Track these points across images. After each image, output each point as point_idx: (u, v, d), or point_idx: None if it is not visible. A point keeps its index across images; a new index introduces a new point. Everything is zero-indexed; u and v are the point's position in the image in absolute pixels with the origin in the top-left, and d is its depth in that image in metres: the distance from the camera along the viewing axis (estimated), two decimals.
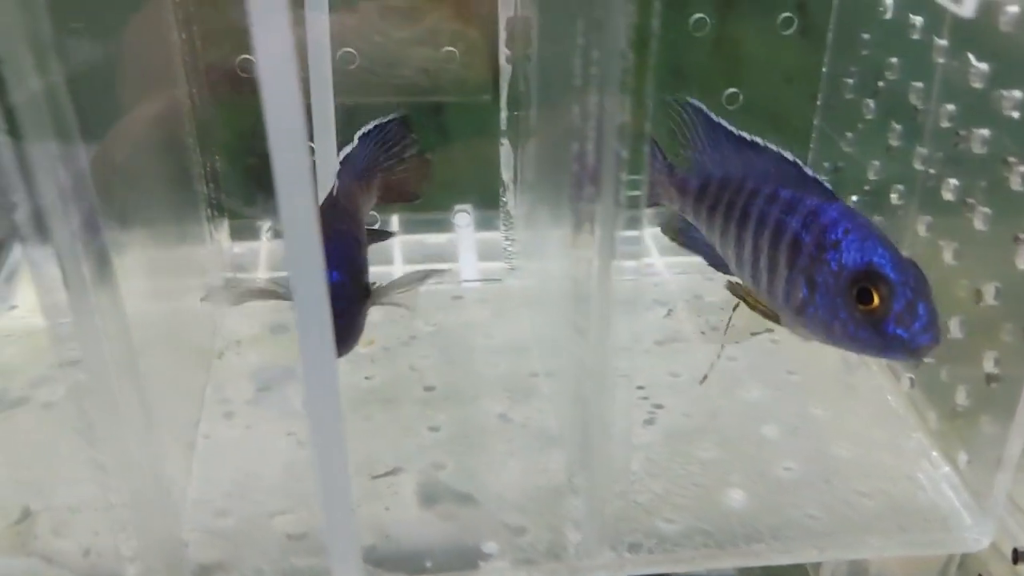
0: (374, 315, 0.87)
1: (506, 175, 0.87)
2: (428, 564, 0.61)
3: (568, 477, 0.59)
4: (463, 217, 0.97)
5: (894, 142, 0.73)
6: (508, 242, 0.90)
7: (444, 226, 0.98)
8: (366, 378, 0.78)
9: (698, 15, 0.82)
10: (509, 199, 0.88)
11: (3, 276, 0.92)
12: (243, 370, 0.79)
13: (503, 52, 0.82)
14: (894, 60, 0.73)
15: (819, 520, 0.64)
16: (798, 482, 0.67)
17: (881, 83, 0.75)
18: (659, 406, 0.75)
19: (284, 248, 0.46)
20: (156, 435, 0.57)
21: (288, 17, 0.39)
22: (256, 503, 0.66)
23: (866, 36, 0.76)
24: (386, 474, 0.68)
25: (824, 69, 0.83)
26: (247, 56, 0.80)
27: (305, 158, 0.42)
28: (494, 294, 0.90)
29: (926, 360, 0.69)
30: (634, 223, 0.50)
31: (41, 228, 0.46)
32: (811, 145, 0.87)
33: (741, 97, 0.86)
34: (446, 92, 0.89)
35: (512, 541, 0.63)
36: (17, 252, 0.95)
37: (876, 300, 0.57)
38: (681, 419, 0.73)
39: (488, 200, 0.95)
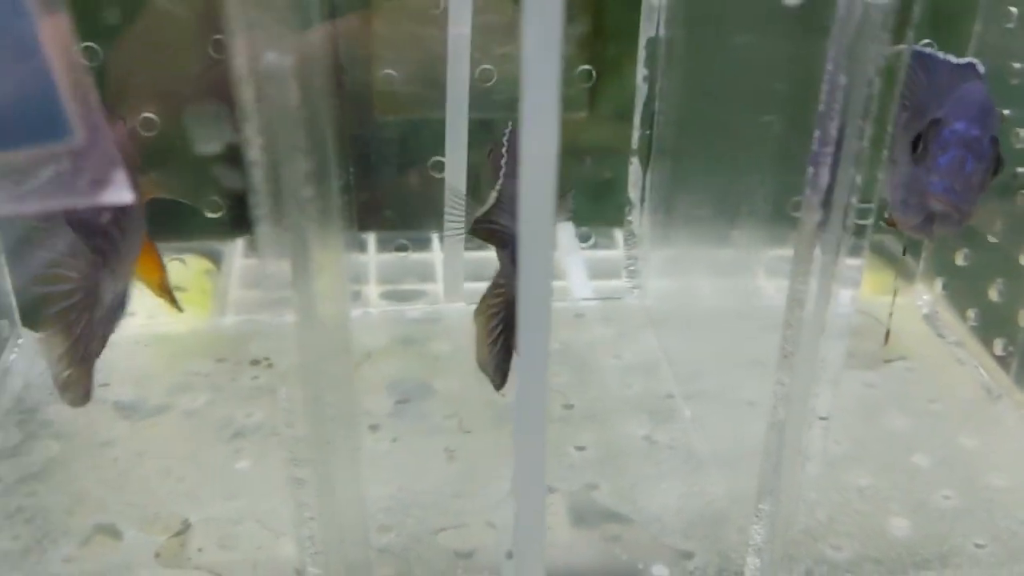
0: None
1: (633, 194, 0.87)
2: None
3: (756, 502, 0.58)
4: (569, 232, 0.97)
5: None
6: (630, 260, 0.90)
7: None
8: (502, 395, 0.78)
9: None
10: (635, 218, 0.88)
11: None
12: (379, 382, 0.79)
13: (640, 72, 0.82)
14: None
15: (987, 549, 0.64)
16: (959, 510, 0.66)
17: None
18: None
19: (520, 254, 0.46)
20: (354, 447, 0.56)
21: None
22: (417, 519, 0.65)
23: (1017, 65, 0.76)
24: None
25: None
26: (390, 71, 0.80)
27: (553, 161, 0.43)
28: (616, 313, 0.89)
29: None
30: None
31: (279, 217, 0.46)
32: None
33: None
34: None
35: (681, 564, 0.63)
36: None
37: (921, 146, 0.57)
38: (830, 445, 0.72)
39: (580, 217, 0.95)
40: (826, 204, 0.48)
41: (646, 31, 0.80)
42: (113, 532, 0.63)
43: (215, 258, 0.98)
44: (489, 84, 0.82)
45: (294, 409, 0.51)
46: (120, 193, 0.35)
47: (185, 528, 0.64)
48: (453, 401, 0.77)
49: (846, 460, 0.71)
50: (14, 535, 0.63)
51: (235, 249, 0.98)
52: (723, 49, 0.73)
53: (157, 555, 0.62)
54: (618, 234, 0.97)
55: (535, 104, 0.41)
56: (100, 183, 0.35)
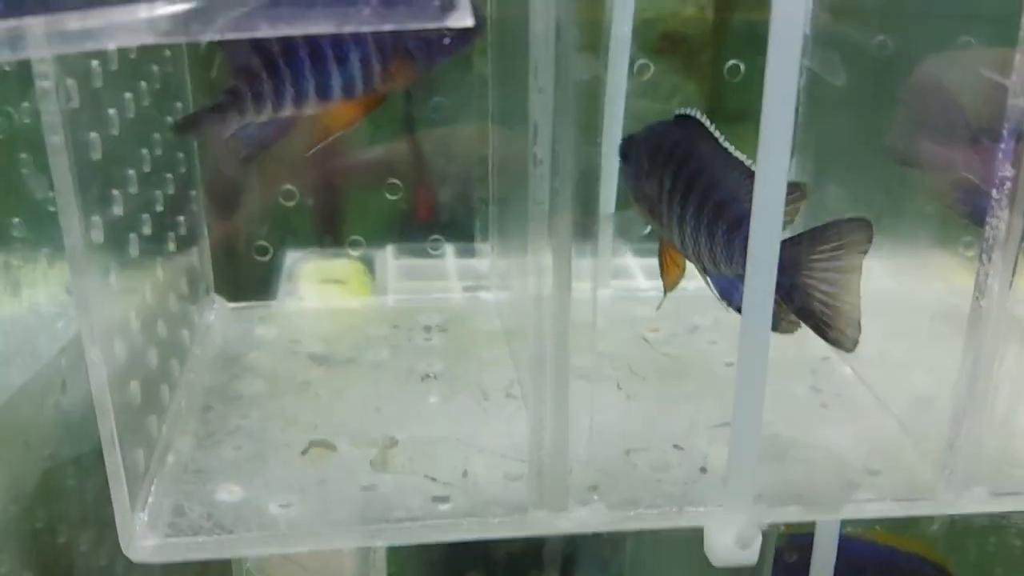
0: (648, 310, 0.92)
1: None
2: (804, 495, 0.63)
3: (953, 419, 0.62)
4: None
5: None
6: None
7: None
8: (666, 355, 0.82)
9: None
10: None
11: (284, 275, 0.99)
12: None
13: None
14: None
15: None
16: None
17: None
18: None
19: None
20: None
21: None
22: (607, 443, 0.68)
23: None
24: (722, 425, 0.71)
25: None
26: None
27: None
28: None
29: None
30: None
31: None
32: None
33: None
34: None
35: (869, 480, 0.65)
36: (290, 258, 1.02)
37: None
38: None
39: None
40: None
41: None
42: (327, 445, 0.68)
43: (367, 263, 1.05)
44: (646, 77, 0.90)
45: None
46: (464, 17, 0.42)
47: (393, 443, 0.68)
48: (615, 359, 0.81)
49: (1012, 405, 0.73)
50: (236, 446, 0.67)
51: (386, 253, 1.05)
52: (863, 46, 0.81)
53: (371, 463, 0.66)
54: None
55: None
56: (447, 7, 0.42)
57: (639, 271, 1.02)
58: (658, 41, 1.04)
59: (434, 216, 1.01)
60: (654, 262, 1.04)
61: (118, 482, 0.57)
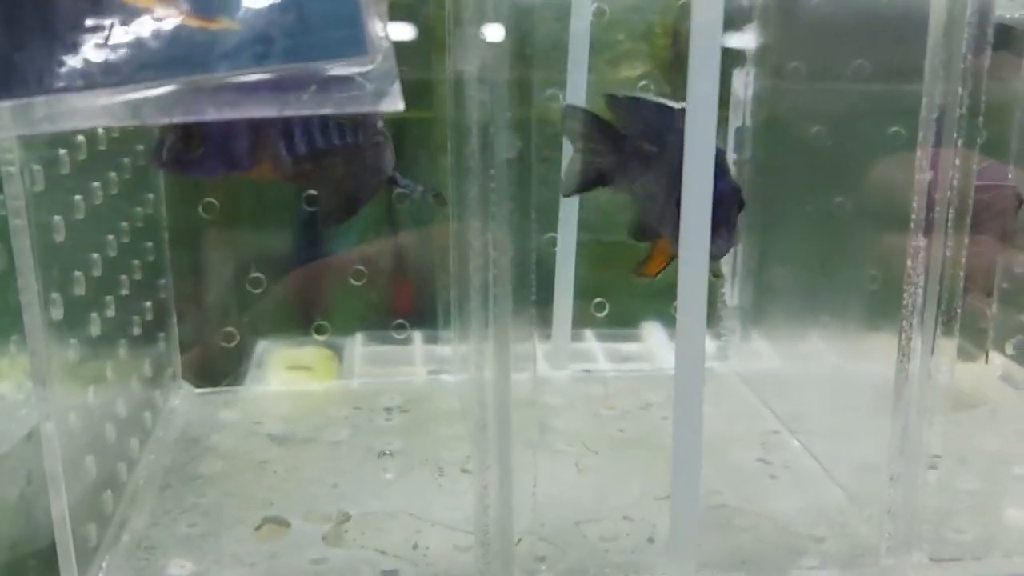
0: (605, 390, 0.94)
1: (725, 268, 0.97)
2: (749, 562, 0.64)
3: (888, 465, 0.63)
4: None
5: None
6: (723, 331, 0.98)
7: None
8: (620, 431, 0.84)
9: None
10: (727, 290, 0.97)
11: (254, 363, 1.01)
12: None
13: (730, 156, 0.94)
14: None
15: None
16: None
17: None
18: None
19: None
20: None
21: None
22: (559, 514, 0.70)
23: None
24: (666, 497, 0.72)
25: None
26: None
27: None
28: (708, 376, 0.96)
29: None
30: None
31: None
32: None
33: None
34: None
35: (815, 547, 0.66)
36: (261, 346, 1.04)
37: None
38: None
39: None
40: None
41: (734, 121, 0.94)
42: (281, 522, 0.68)
43: (336, 350, 1.08)
44: None
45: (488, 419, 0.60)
46: (395, 102, 0.46)
47: (346, 519, 0.69)
48: (570, 435, 0.83)
49: (952, 471, 0.75)
50: (190, 523, 0.68)
51: (355, 341, 1.07)
52: (800, 135, 0.86)
53: (324, 538, 0.66)
54: None
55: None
56: (380, 94, 0.46)
57: (600, 354, 1.05)
58: None
59: (408, 307, 1.04)
60: (614, 346, 1.10)
61: (67, 555, 0.58)
